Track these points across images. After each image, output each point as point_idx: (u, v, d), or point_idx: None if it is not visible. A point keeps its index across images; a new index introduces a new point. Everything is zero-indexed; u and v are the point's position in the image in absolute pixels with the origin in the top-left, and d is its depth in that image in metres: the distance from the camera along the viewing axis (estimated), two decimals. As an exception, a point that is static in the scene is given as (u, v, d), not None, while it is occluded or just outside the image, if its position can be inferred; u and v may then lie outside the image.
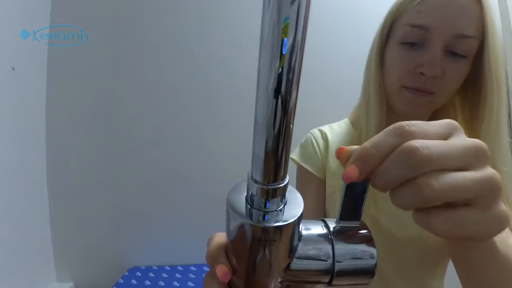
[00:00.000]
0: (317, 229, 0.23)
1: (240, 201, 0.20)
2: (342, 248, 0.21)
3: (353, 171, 0.20)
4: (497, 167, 0.44)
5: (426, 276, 0.53)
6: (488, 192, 0.19)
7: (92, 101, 1.29)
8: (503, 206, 0.20)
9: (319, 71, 1.34)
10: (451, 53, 0.43)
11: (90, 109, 1.29)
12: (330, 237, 0.22)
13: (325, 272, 0.22)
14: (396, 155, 0.19)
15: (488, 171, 0.19)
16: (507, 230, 0.41)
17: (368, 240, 0.22)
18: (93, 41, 1.26)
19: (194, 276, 1.20)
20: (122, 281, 1.16)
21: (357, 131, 0.55)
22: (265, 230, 0.19)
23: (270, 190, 0.18)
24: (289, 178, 0.21)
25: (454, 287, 0.43)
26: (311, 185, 0.56)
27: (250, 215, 0.19)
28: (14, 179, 1.09)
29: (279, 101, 0.16)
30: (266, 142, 0.17)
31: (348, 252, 0.21)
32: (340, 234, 0.22)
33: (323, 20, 1.34)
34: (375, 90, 0.50)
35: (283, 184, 0.18)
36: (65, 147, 1.28)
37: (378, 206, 0.50)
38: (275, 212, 0.19)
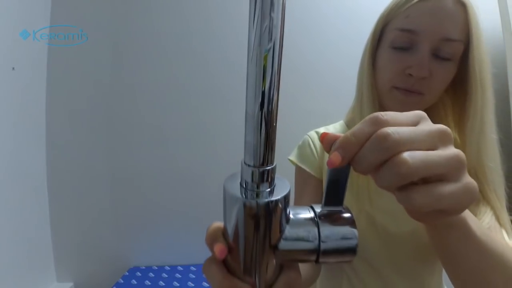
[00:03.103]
0: (304, 213, 0.25)
1: (235, 185, 0.23)
2: (327, 230, 0.24)
3: (336, 157, 0.22)
4: (484, 163, 0.47)
5: (423, 273, 0.54)
6: (456, 167, 0.21)
7: (92, 101, 1.29)
8: (471, 179, 0.22)
9: (320, 71, 1.34)
10: (438, 55, 0.46)
11: (90, 109, 1.29)
12: (316, 220, 0.24)
13: (311, 251, 0.24)
14: (371, 141, 0.21)
15: (452, 149, 0.22)
16: (494, 225, 0.44)
17: (351, 222, 0.24)
18: (93, 41, 1.27)
19: (194, 276, 1.20)
20: (122, 281, 1.16)
21: None
22: (257, 206, 0.21)
23: (260, 172, 0.21)
24: (288, 180, 0.24)
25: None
26: (309, 184, 0.58)
27: (244, 195, 0.22)
28: (14, 179, 1.09)
29: (265, 96, 0.19)
30: (255, 131, 0.20)
31: (333, 234, 0.24)
32: (325, 218, 0.24)
33: (325, 20, 1.34)
34: (367, 91, 0.52)
35: (271, 167, 0.21)
36: (65, 147, 1.28)
37: (372, 203, 0.52)
38: (265, 192, 0.22)
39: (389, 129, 0.21)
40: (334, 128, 0.64)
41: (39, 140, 1.25)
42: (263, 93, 0.19)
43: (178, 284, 1.14)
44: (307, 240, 0.23)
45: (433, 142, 0.22)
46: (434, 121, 0.62)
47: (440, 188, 0.21)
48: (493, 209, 0.46)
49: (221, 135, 1.33)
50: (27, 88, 1.17)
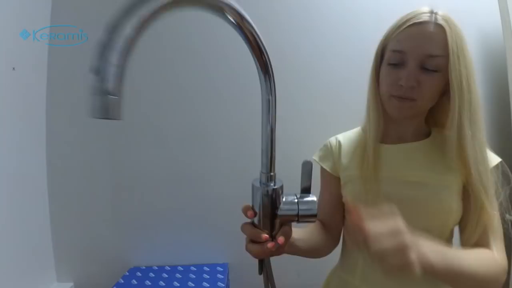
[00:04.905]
0: (291, 197, 0.48)
1: (257, 182, 0.46)
2: (302, 205, 0.47)
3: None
4: (462, 156, 0.58)
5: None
6: (397, 248, 0.42)
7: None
8: (408, 256, 0.42)
9: (321, 73, 1.34)
10: (425, 68, 0.58)
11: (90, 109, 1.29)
12: (296, 201, 0.47)
13: (294, 215, 0.47)
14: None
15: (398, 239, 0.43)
16: (483, 237, 0.59)
17: (314, 202, 0.47)
18: (93, 41, 1.26)
19: (194, 276, 1.20)
20: (122, 281, 1.16)
21: (364, 133, 0.72)
22: (267, 191, 0.45)
23: (268, 175, 0.45)
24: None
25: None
26: (328, 183, 0.76)
27: (262, 187, 0.45)
28: (14, 179, 1.09)
29: (270, 143, 0.43)
30: (267, 156, 0.43)
31: (305, 207, 0.47)
32: (301, 199, 0.48)
33: (325, 22, 1.34)
34: (373, 100, 0.67)
35: (273, 173, 0.45)
36: (65, 147, 1.27)
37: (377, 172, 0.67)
38: (271, 186, 0.45)
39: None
40: (352, 133, 0.78)
41: (39, 140, 1.24)
42: (269, 140, 0.43)
43: (178, 284, 1.14)
44: (292, 210, 0.46)
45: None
46: (440, 122, 0.73)
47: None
48: (482, 208, 0.57)
49: (221, 135, 1.32)
50: (27, 88, 1.17)
